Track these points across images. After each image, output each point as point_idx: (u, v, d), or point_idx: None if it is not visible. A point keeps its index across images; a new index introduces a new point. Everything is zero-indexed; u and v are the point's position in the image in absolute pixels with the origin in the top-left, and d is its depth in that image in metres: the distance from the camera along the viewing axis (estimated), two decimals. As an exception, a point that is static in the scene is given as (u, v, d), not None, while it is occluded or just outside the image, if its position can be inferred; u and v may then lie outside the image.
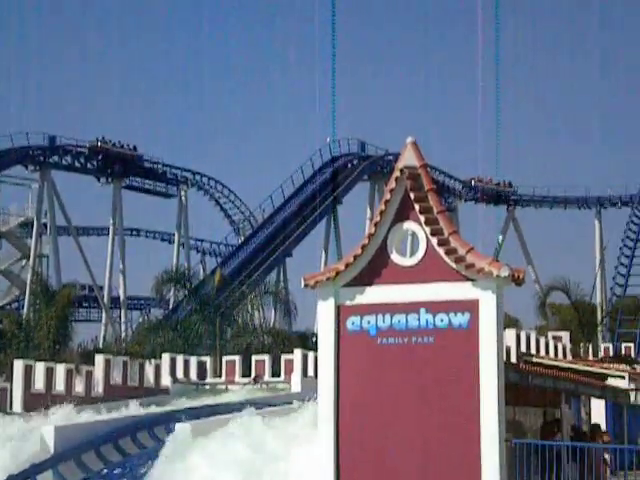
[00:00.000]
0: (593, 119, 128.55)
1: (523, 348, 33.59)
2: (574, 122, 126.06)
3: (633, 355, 41.35)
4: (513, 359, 29.90)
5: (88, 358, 34.85)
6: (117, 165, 62.82)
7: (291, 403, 22.23)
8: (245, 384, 34.18)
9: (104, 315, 65.39)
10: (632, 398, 28.68)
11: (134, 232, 72.05)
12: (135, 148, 64.01)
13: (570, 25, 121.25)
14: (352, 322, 16.27)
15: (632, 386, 26.43)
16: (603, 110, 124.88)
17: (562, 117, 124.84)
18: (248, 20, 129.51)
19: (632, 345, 43.93)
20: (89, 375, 31.80)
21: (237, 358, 35.83)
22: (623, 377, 25.97)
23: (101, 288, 65.56)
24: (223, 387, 34.39)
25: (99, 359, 32.86)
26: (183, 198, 65.47)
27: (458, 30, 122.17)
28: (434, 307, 15.68)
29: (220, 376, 35.52)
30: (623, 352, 41.60)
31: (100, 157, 62.72)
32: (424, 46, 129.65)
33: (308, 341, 41.47)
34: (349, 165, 61.88)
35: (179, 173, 65.05)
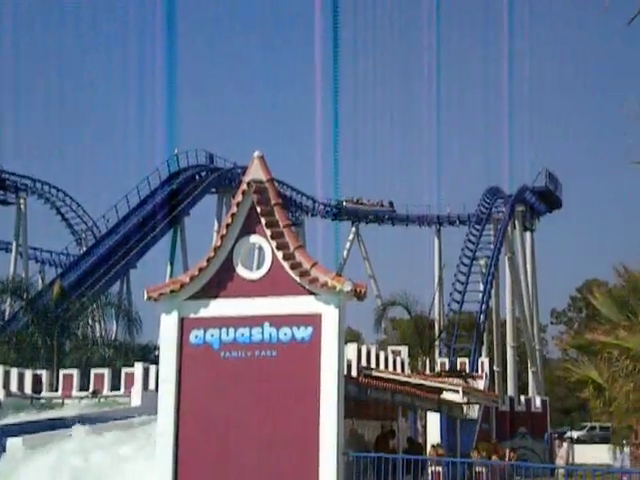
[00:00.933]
0: (430, 138, 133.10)
1: (364, 362, 34.24)
2: (414, 139, 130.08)
3: (468, 370, 42.91)
4: (354, 373, 30.40)
5: None
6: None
7: (129, 418, 21.79)
8: (82, 398, 33.28)
9: None
10: (465, 411, 29.77)
11: (-32, 240, 68.88)
12: (-29, 153, 61.22)
13: (406, 42, 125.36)
14: (195, 335, 16.15)
15: (465, 400, 27.41)
16: (443, 128, 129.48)
17: (403, 134, 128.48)
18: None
19: (467, 360, 45.60)
20: None
21: (75, 371, 34.93)
22: (457, 391, 26.87)
23: None
24: (59, 401, 33.35)
25: None
26: (22, 206, 63.15)
27: (304, 42, 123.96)
28: (278, 321, 15.79)
29: (57, 390, 34.52)
30: (458, 367, 43.10)
31: None
32: (275, 58, 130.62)
33: (151, 354, 40.81)
34: (197, 177, 61.37)
35: (18, 180, 62.71)
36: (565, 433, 52.33)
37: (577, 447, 45.32)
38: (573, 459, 39.13)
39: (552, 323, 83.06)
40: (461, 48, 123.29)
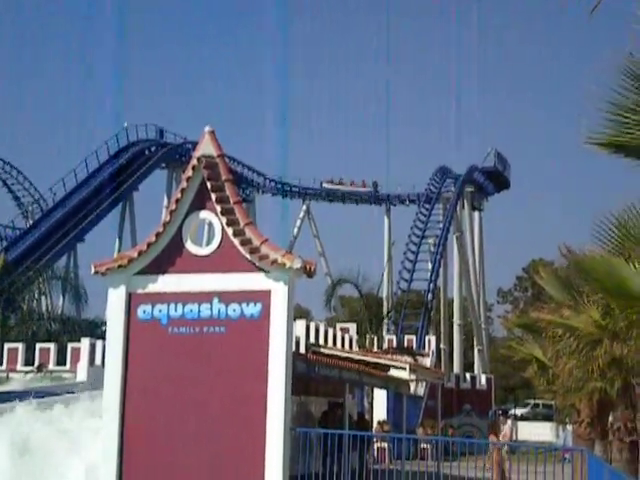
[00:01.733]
0: (381, 118, 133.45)
1: (312, 339, 34.35)
2: (365, 120, 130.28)
3: (415, 347, 43.35)
4: (302, 349, 30.50)
5: None
6: None
7: (74, 392, 21.57)
8: (27, 372, 32.96)
9: None
10: (412, 388, 30.07)
11: None
12: None
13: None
14: (143, 310, 16.05)
15: (412, 377, 27.67)
16: (394, 109, 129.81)
17: (354, 115, 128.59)
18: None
19: (414, 338, 46.04)
20: None
21: (20, 346, 34.56)
22: (404, 368, 27.08)
23: None
24: (4, 375, 32.97)
25: None
26: (-34, 179, 62.08)
27: (256, 20, 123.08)
28: (227, 297, 15.74)
29: (1, 364, 34.12)
30: (406, 344, 43.51)
31: None
32: (227, 33, 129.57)
33: (97, 329, 40.48)
34: (146, 151, 60.72)
35: (-38, 153, 61.54)
36: (509, 410, 53.19)
37: (521, 424, 46.11)
38: (516, 436, 39.76)
39: (498, 302, 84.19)
40: (412, 30, 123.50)
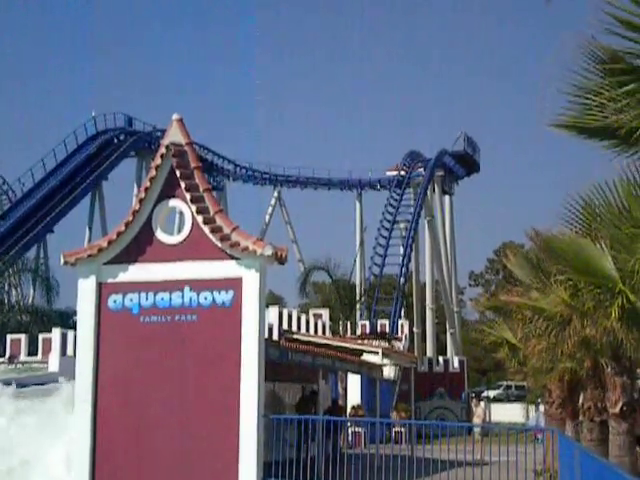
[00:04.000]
0: (352, 104, 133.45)
1: (285, 325, 34.42)
2: (336, 105, 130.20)
3: (388, 332, 43.55)
4: (275, 336, 30.55)
5: None
6: None
7: (45, 384, 21.44)
8: (-1, 364, 32.74)
9: None
10: (385, 373, 30.25)
11: None
12: None
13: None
14: (114, 300, 15.99)
15: (385, 361, 27.85)
16: (364, 94, 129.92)
17: (325, 100, 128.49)
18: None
19: (387, 322, 46.25)
20: None
21: (-9, 337, 34.35)
22: (377, 353, 27.28)
23: None
24: (-25, 367, 32.71)
25: None
26: None
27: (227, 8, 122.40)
28: (198, 285, 15.71)
29: (-28, 356, 33.86)
30: (379, 329, 43.72)
31: None
32: (198, 21, 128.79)
33: (69, 320, 40.24)
34: (115, 140, 60.28)
35: None
36: (482, 392, 53.65)
37: (493, 406, 46.54)
38: (490, 418, 40.13)
39: (470, 285, 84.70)
40: (381, 13, 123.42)
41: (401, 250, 58.59)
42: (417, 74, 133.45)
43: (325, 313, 40.16)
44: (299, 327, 35.64)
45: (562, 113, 7.10)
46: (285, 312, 36.30)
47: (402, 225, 60.23)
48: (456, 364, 48.49)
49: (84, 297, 16.13)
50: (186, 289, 15.76)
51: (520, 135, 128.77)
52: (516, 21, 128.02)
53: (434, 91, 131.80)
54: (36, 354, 33.45)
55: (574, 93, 6.97)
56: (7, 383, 21.23)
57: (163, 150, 16.05)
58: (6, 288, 43.24)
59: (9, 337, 34.52)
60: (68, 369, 20.62)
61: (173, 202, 16.23)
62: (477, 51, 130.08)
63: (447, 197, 68.54)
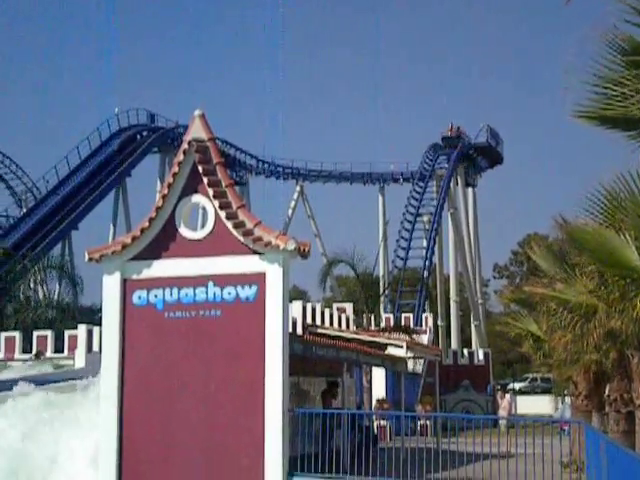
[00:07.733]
0: (376, 98, 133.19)
1: (309, 319, 34.44)
2: (359, 100, 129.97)
3: (412, 325, 43.46)
4: (299, 330, 30.58)
5: None
6: None
7: (73, 379, 21.62)
8: (26, 360, 33.03)
9: None
10: (410, 366, 30.20)
11: None
12: None
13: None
14: (139, 296, 16.06)
15: (410, 354, 27.77)
16: (387, 88, 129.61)
17: (348, 95, 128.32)
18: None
19: (411, 315, 46.18)
20: None
21: (17, 334, 34.65)
22: (401, 346, 27.20)
23: None
24: (2, 363, 33.05)
25: None
26: (-41, 168, 61.84)
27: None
28: (222, 280, 15.74)
29: (-1, 352, 34.24)
30: (403, 322, 43.62)
31: None
32: (219, 16, 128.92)
33: (95, 316, 40.51)
34: (138, 137, 60.56)
35: (-45, 141, 61.35)
36: (507, 385, 53.43)
37: (519, 398, 46.35)
38: (515, 410, 39.97)
39: (494, 277, 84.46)
40: (404, 9, 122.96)
41: (424, 243, 58.47)
42: (439, 67, 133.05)
43: (349, 307, 40.13)
44: (323, 321, 35.66)
45: (585, 104, 7.05)
46: (309, 306, 36.32)
47: (425, 218, 60.08)
48: (481, 356, 48.31)
49: (109, 293, 16.22)
50: (210, 284, 15.80)
51: (544, 126, 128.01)
52: (541, 11, 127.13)
53: (457, 84, 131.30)
54: (62, 350, 33.70)
55: (596, 83, 6.92)
56: (34, 380, 21.44)
57: (185, 146, 16.09)
58: (32, 285, 43.62)
59: (35, 334, 34.81)
60: (94, 365, 20.79)
61: (196, 198, 16.27)
62: (501, 43, 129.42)
63: (470, 189, 68.31)
